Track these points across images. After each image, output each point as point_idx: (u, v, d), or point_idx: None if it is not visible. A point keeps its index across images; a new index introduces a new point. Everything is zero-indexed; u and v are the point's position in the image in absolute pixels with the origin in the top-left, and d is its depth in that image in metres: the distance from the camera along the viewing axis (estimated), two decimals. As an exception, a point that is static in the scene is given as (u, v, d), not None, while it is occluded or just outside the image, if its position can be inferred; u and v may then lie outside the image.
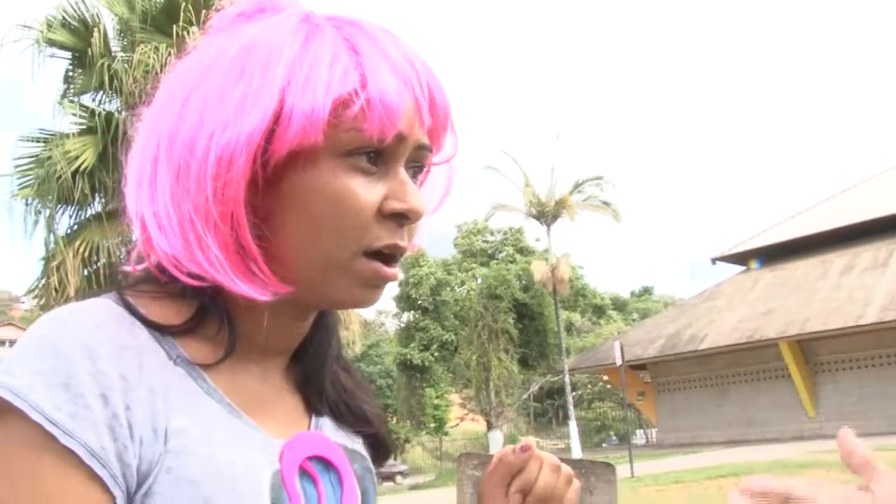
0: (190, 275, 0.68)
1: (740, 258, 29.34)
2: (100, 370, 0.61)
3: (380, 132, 0.67)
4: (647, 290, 61.17)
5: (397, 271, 0.72)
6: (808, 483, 0.65)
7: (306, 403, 0.81)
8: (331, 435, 0.79)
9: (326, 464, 0.75)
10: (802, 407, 23.85)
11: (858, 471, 0.64)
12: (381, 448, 0.88)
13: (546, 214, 27.81)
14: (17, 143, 10.99)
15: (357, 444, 0.83)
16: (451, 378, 35.52)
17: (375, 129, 0.67)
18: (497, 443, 26.58)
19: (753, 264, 28.57)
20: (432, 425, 35.38)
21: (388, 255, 0.71)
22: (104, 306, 0.66)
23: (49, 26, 10.61)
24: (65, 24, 10.82)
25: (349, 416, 0.84)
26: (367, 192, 0.68)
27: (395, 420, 35.65)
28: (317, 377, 0.81)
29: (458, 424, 40.42)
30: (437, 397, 35.13)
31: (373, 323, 46.20)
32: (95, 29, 10.68)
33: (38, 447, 0.59)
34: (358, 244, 0.69)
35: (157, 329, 0.67)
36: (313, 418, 0.80)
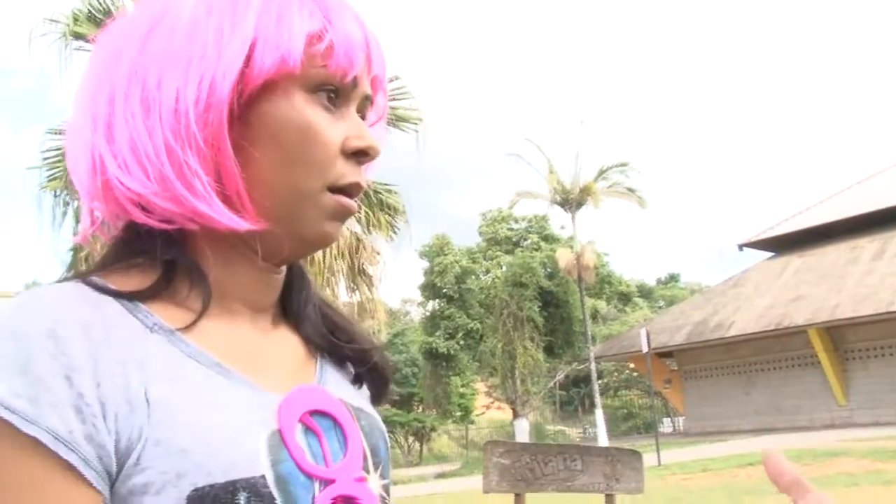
0: (161, 219, 0.68)
1: (768, 244, 29.05)
2: (62, 350, 0.59)
3: (343, 70, 0.72)
4: (673, 277, 60.75)
5: (356, 203, 0.76)
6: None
7: (306, 349, 0.80)
8: (335, 390, 0.77)
9: (332, 420, 0.73)
10: (832, 395, 23.61)
11: (787, 490, 0.61)
12: (381, 373, 0.87)
13: (571, 201, 27.67)
14: (46, 135, 11.11)
15: (362, 401, 0.82)
16: (476, 366, 35.53)
17: (339, 68, 0.71)
18: (523, 431, 26.58)
19: (766, 246, 28.29)
20: (458, 414, 35.49)
21: (349, 193, 0.74)
22: (65, 286, 0.65)
23: (75, 19, 10.68)
24: (91, 17, 10.88)
25: (347, 340, 0.83)
26: (331, 127, 0.72)
27: (420, 409, 35.79)
28: (305, 312, 0.81)
29: (483, 413, 40.45)
30: (462, 386, 35.23)
31: (398, 311, 46.37)
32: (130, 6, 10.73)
33: None
34: (324, 178, 0.72)
35: (127, 298, 0.66)
36: (318, 363, 0.80)
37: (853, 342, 23.42)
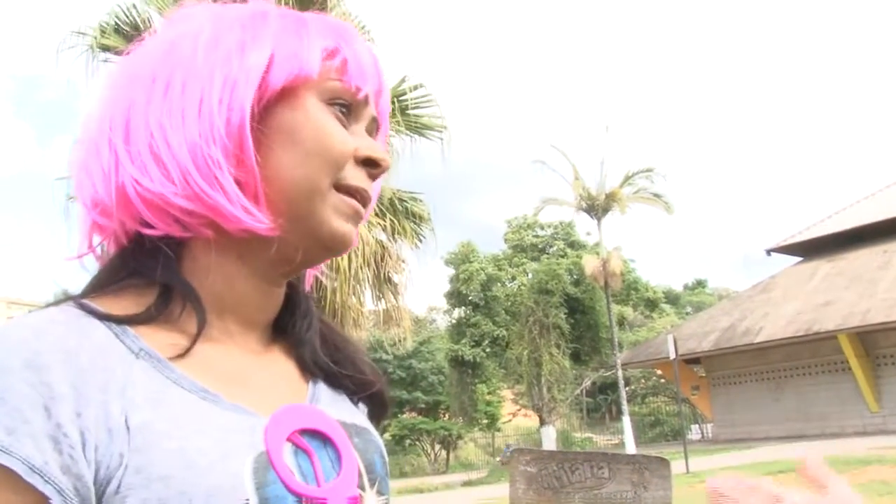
0: (180, 216, 0.69)
1: (796, 249, 28.69)
2: (42, 381, 0.58)
3: (356, 86, 0.75)
4: (700, 283, 60.23)
5: (364, 210, 0.77)
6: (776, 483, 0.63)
7: (300, 370, 0.79)
8: (327, 408, 0.76)
9: (323, 439, 0.71)
10: (864, 401, 23.23)
11: (814, 476, 0.65)
12: (379, 400, 0.86)
13: (596, 208, 27.51)
14: (73, 146, 11.25)
15: (357, 417, 0.80)
16: (502, 374, 35.43)
17: (353, 83, 0.75)
18: (550, 438, 26.45)
19: (794, 250, 27.96)
20: (484, 421, 35.36)
21: (356, 196, 0.75)
22: (52, 312, 0.64)
23: (102, 32, 10.81)
24: (117, 30, 11.00)
25: (345, 372, 0.81)
26: (344, 132, 0.74)
27: (447, 416, 35.71)
28: (305, 335, 0.80)
29: (510, 420, 40.32)
30: (488, 393, 35.11)
31: (424, 319, 46.37)
32: (147, 33, 10.85)
33: None
34: (334, 176, 0.73)
35: (116, 322, 0.66)
36: (310, 385, 0.78)
37: (885, 348, 23.03)
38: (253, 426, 0.66)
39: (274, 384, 0.74)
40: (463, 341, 33.56)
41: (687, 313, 47.66)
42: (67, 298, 0.69)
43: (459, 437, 35.48)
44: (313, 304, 0.84)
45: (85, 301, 0.67)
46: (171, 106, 0.69)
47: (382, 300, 11.80)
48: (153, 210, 0.69)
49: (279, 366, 0.77)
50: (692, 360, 27.33)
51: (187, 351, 0.67)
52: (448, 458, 34.89)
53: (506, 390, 39.21)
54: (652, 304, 46.59)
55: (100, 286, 0.72)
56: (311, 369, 0.80)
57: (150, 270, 0.70)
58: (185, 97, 0.69)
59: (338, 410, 0.78)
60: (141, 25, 11.01)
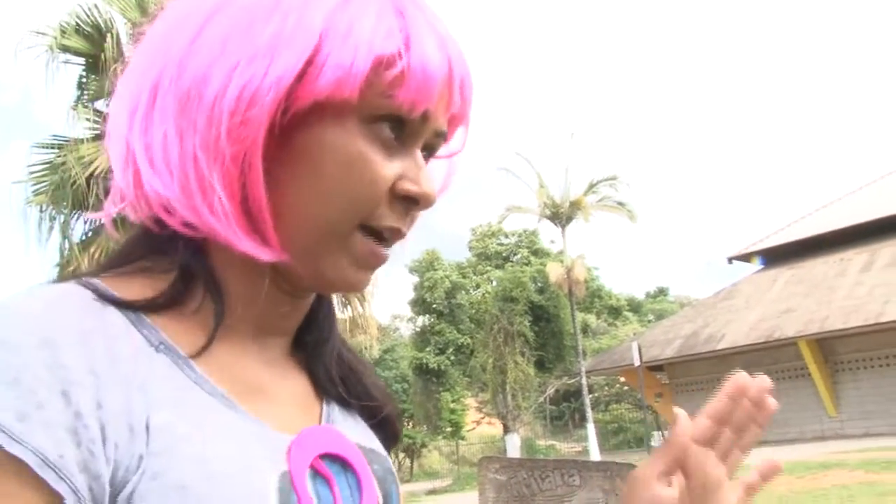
0: (184, 223, 0.60)
1: (757, 257, 29.13)
2: (60, 362, 0.51)
3: (412, 103, 0.62)
4: (662, 291, 60.84)
5: (389, 253, 0.67)
6: None
7: (314, 387, 0.72)
8: (345, 430, 0.69)
9: (343, 464, 0.65)
10: (823, 406, 23.61)
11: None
12: (390, 430, 0.79)
13: (560, 216, 27.69)
14: (32, 149, 11.03)
15: (374, 443, 0.74)
16: (467, 382, 35.46)
17: (408, 99, 0.61)
18: (514, 446, 26.44)
19: (755, 260, 28.42)
20: (448, 429, 35.29)
21: (384, 237, 0.65)
22: (64, 287, 0.57)
23: (63, 32, 10.64)
24: (78, 30, 10.83)
25: (357, 394, 0.75)
26: (384, 165, 0.62)
27: (411, 425, 35.59)
28: (322, 355, 0.73)
29: (474, 428, 40.32)
30: (453, 401, 35.04)
31: (388, 327, 46.24)
32: (109, 34, 10.70)
33: None
34: (364, 215, 0.63)
35: (132, 309, 0.58)
36: (324, 406, 0.71)
37: (843, 354, 23.45)
38: (274, 442, 0.61)
39: (288, 399, 0.68)
40: (427, 349, 33.52)
41: (649, 321, 48.11)
42: (74, 277, 0.61)
43: (423, 445, 35.39)
44: (334, 320, 0.76)
45: (94, 281, 0.59)
46: (186, 103, 0.59)
47: (348, 307, 11.75)
48: (159, 208, 0.61)
49: (294, 380, 0.71)
50: (655, 368, 27.55)
51: (204, 348, 0.60)
52: (412, 467, 34.78)
53: (470, 398, 39.21)
54: (615, 312, 47.00)
55: (111, 265, 0.65)
56: (325, 387, 0.73)
57: (172, 250, 0.63)
58: (201, 95, 0.59)
59: (356, 434, 0.71)
60: (103, 26, 10.85)
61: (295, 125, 0.60)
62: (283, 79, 0.58)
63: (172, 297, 0.62)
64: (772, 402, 0.74)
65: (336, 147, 0.61)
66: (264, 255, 0.60)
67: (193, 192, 0.59)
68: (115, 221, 0.69)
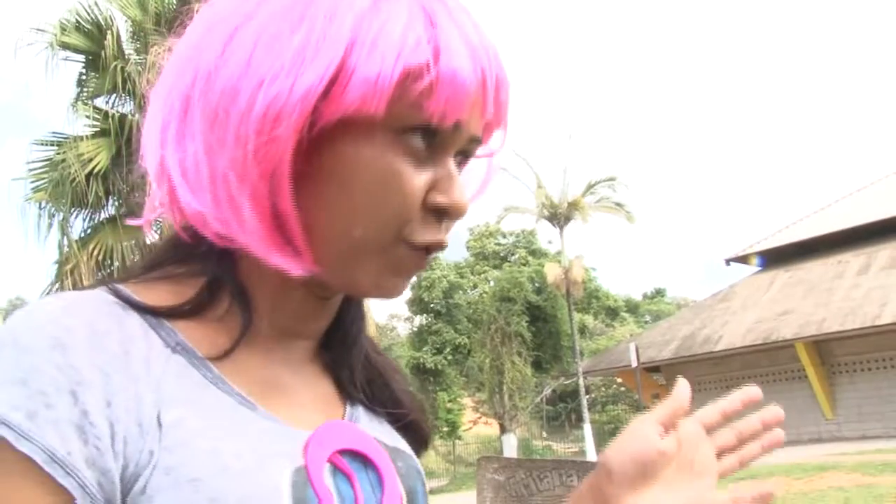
0: (218, 235, 0.60)
1: (755, 259, 29.15)
2: (70, 363, 0.52)
3: (442, 113, 0.60)
4: (659, 292, 60.87)
5: (429, 261, 0.67)
6: None
7: (338, 390, 0.72)
8: (368, 428, 0.70)
9: (364, 461, 0.65)
10: (820, 408, 23.62)
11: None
12: (418, 435, 0.78)
13: (559, 216, 27.68)
14: (31, 146, 11.05)
15: (399, 441, 0.74)
16: (463, 382, 35.47)
17: (439, 110, 0.60)
18: (511, 446, 26.45)
19: (753, 262, 28.46)
20: (445, 429, 35.31)
21: (425, 249, 0.65)
22: (85, 293, 0.58)
23: (63, 29, 10.64)
24: (78, 28, 10.83)
25: (382, 400, 0.75)
26: (414, 177, 0.61)
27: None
28: (348, 358, 0.72)
29: (471, 428, 40.30)
30: (449, 401, 35.05)
31: (385, 327, 46.22)
32: (109, 32, 10.71)
33: None
34: (397, 231, 0.62)
35: (152, 314, 0.60)
36: (347, 407, 0.71)
37: (840, 356, 23.47)
38: (291, 438, 0.61)
39: (310, 400, 0.68)
40: (424, 349, 33.53)
41: (646, 322, 48.13)
42: (101, 283, 0.62)
43: (420, 445, 35.37)
44: (363, 321, 0.76)
45: (119, 287, 0.60)
46: (215, 119, 0.59)
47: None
48: (195, 221, 0.62)
49: (317, 382, 0.71)
50: (653, 369, 27.57)
51: (226, 353, 0.61)
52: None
53: (467, 398, 39.20)
54: (612, 313, 47.00)
55: (140, 271, 0.66)
56: (350, 391, 0.73)
57: (204, 260, 0.64)
58: (229, 112, 0.58)
59: (379, 432, 0.71)
60: (102, 24, 10.84)
61: (322, 140, 0.59)
62: (308, 96, 0.57)
63: (198, 304, 0.62)
64: (780, 434, 0.75)
65: (364, 162, 0.60)
66: (296, 269, 0.60)
67: (224, 209, 0.59)
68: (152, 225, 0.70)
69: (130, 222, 0.71)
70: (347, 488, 0.62)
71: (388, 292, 0.65)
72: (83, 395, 0.52)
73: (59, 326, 0.53)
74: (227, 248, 0.62)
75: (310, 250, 0.61)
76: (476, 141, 0.66)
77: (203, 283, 0.64)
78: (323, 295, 0.68)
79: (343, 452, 0.64)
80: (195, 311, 0.62)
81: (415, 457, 0.75)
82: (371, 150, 0.60)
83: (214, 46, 0.60)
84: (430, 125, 0.61)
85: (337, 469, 0.62)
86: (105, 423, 0.52)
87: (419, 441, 0.79)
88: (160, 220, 0.70)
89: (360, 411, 0.73)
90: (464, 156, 0.67)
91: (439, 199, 0.63)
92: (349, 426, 0.68)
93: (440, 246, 0.65)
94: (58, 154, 10.76)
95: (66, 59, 10.90)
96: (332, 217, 0.61)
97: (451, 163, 0.64)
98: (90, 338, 0.54)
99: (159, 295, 0.62)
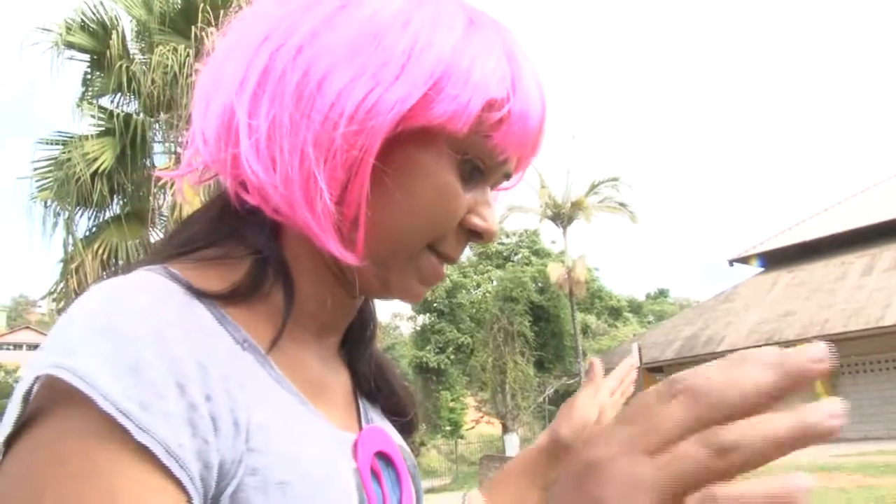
0: (276, 210, 0.61)
1: (758, 260, 29.11)
2: (173, 355, 0.52)
3: (503, 147, 0.65)
4: (662, 293, 60.84)
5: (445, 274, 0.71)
6: None
7: (351, 384, 0.76)
8: (382, 427, 0.74)
9: (387, 461, 0.70)
10: (822, 410, 23.60)
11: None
12: (409, 429, 0.83)
13: (562, 216, 27.68)
14: (36, 145, 11.05)
15: (400, 438, 0.78)
16: (466, 381, 35.44)
17: (502, 143, 0.65)
18: (513, 446, 26.45)
19: (755, 262, 28.44)
20: (448, 428, 35.32)
21: (442, 258, 0.69)
22: (158, 281, 0.57)
23: (68, 29, 10.65)
24: (83, 27, 10.85)
25: (385, 394, 0.79)
26: (461, 197, 0.66)
27: (410, 423, 35.56)
28: (365, 355, 0.77)
29: (473, 427, 40.29)
30: (452, 400, 35.05)
31: (388, 326, 46.21)
32: (114, 31, 10.72)
33: (107, 442, 0.48)
34: (433, 241, 0.66)
35: (210, 301, 0.59)
36: (360, 404, 0.75)
37: (843, 357, 23.42)
38: (341, 441, 0.65)
39: (341, 398, 0.72)
40: (427, 348, 33.52)
41: (649, 322, 48.10)
42: (147, 263, 0.62)
43: (422, 444, 35.33)
44: (376, 317, 0.80)
45: (178, 274, 0.60)
46: (302, 94, 0.59)
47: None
48: (254, 191, 0.62)
49: (342, 378, 0.74)
50: (655, 369, 27.56)
51: (274, 342, 0.62)
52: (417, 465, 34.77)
53: (469, 397, 39.19)
54: (615, 313, 46.94)
55: (176, 251, 0.65)
56: (361, 385, 0.77)
57: (252, 235, 0.65)
58: (321, 92, 0.59)
59: (389, 430, 0.76)
60: (108, 23, 10.87)
61: (398, 143, 0.62)
62: (408, 98, 0.59)
63: (251, 287, 0.63)
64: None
65: (430, 172, 0.63)
66: (350, 258, 0.62)
67: (294, 185, 0.59)
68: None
69: (161, 173, 0.71)
70: (377, 487, 0.66)
71: (413, 297, 0.70)
72: (189, 387, 0.51)
73: (156, 317, 0.53)
74: (276, 229, 0.64)
75: (364, 244, 0.63)
76: (507, 176, 0.71)
77: (250, 264, 0.64)
78: (353, 292, 0.70)
79: (376, 454, 0.68)
80: (250, 294, 0.62)
81: (412, 454, 0.79)
82: (437, 163, 0.63)
83: (312, 21, 0.61)
84: (489, 155, 0.65)
85: (371, 470, 0.66)
86: (208, 416, 0.52)
87: (408, 436, 0.83)
88: (202, 180, 0.69)
89: (369, 407, 0.76)
90: (491, 187, 0.71)
91: (477, 221, 0.68)
92: (380, 430, 0.72)
93: (453, 261, 0.70)
94: (63, 153, 10.78)
95: (70, 59, 10.91)
96: (388, 215, 0.63)
97: (489, 191, 0.69)
98: (184, 330, 0.54)
99: (213, 282, 0.61)
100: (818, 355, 0.40)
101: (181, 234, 0.68)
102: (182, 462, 0.50)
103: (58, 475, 0.48)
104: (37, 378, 0.51)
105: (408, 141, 0.62)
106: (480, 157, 0.65)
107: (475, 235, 0.68)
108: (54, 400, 0.50)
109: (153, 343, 0.51)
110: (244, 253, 0.65)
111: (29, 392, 0.51)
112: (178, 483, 0.50)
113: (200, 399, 0.52)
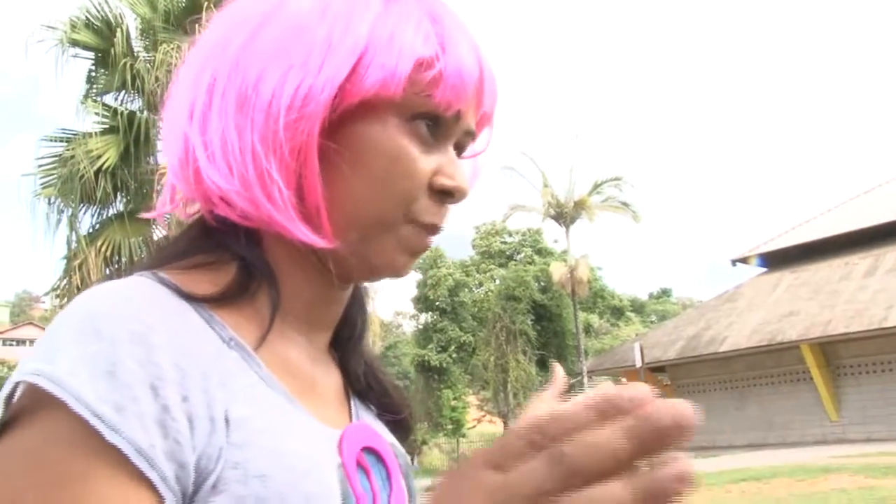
0: (244, 215, 0.64)
1: (760, 260, 29.09)
2: (149, 358, 0.54)
3: (448, 102, 0.67)
4: (665, 292, 60.84)
5: (432, 242, 0.73)
6: None
7: (343, 381, 0.77)
8: (371, 424, 0.75)
9: (376, 457, 0.70)
10: (824, 411, 23.58)
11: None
12: (404, 430, 0.84)
13: (565, 215, 27.72)
14: (40, 142, 11.09)
15: (391, 437, 0.79)
16: (468, 380, 35.48)
17: (445, 99, 0.67)
18: (515, 445, 26.45)
19: (753, 261, 28.43)
20: (449, 427, 35.36)
21: (427, 230, 0.71)
22: (147, 285, 0.60)
23: (73, 27, 10.69)
24: (88, 25, 10.88)
25: (377, 393, 0.80)
26: (422, 160, 0.68)
27: (412, 421, 35.60)
28: (355, 351, 0.78)
29: (475, 426, 40.35)
30: (454, 399, 35.11)
31: (390, 324, 46.25)
32: (118, 29, 10.76)
33: (79, 444, 0.51)
34: (406, 208, 0.68)
35: (199, 304, 0.62)
36: (351, 401, 0.76)
37: (845, 358, 23.42)
38: (327, 437, 0.66)
39: (331, 395, 0.73)
40: (429, 346, 33.56)
41: (652, 322, 48.10)
42: (140, 269, 0.65)
43: (424, 442, 35.41)
44: (367, 312, 0.81)
45: (167, 278, 0.63)
46: (244, 100, 0.64)
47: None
48: (220, 202, 0.66)
49: (332, 375, 0.75)
50: (657, 369, 27.55)
51: (262, 339, 0.64)
52: (412, 464, 34.81)
53: (471, 396, 39.23)
54: (618, 312, 46.97)
55: (167, 261, 0.68)
56: (352, 383, 0.78)
57: (233, 244, 0.68)
58: (258, 93, 0.64)
59: (379, 428, 0.77)
60: (112, 21, 10.89)
61: (343, 122, 0.65)
62: (335, 77, 0.63)
63: (239, 288, 0.65)
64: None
65: (379, 142, 0.66)
66: (319, 241, 0.65)
67: (252, 184, 0.63)
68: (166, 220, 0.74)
69: (144, 215, 0.75)
70: (366, 482, 0.67)
71: (398, 270, 0.71)
72: (163, 389, 0.53)
73: (138, 321, 0.55)
74: (252, 232, 0.67)
75: (330, 226, 0.66)
76: (470, 134, 0.73)
77: (236, 268, 0.67)
78: (336, 281, 0.71)
79: (363, 449, 0.69)
80: (233, 298, 0.65)
81: (405, 453, 0.79)
82: (385, 132, 0.66)
83: (240, 38, 0.66)
84: (436, 113, 0.68)
85: (358, 465, 0.67)
86: (183, 417, 0.54)
87: (404, 435, 0.84)
88: (171, 214, 0.74)
89: (360, 405, 0.78)
90: (458, 150, 0.73)
91: (444, 181, 0.69)
92: (367, 426, 0.73)
93: (437, 229, 0.71)
94: (67, 150, 10.81)
95: (75, 56, 10.94)
96: (349, 193, 0.66)
97: (452, 151, 0.71)
98: (166, 334, 0.56)
99: (202, 285, 0.63)
100: (681, 419, 0.40)
101: (169, 248, 0.71)
102: (153, 462, 0.52)
103: (31, 478, 0.50)
104: (17, 384, 0.53)
105: (352, 118, 0.65)
106: (428, 116, 0.68)
107: (447, 196, 0.70)
108: (32, 404, 0.52)
109: (131, 346, 0.53)
110: (230, 259, 0.68)
111: (10, 396, 0.54)
112: (150, 483, 0.52)
113: (176, 400, 0.54)
